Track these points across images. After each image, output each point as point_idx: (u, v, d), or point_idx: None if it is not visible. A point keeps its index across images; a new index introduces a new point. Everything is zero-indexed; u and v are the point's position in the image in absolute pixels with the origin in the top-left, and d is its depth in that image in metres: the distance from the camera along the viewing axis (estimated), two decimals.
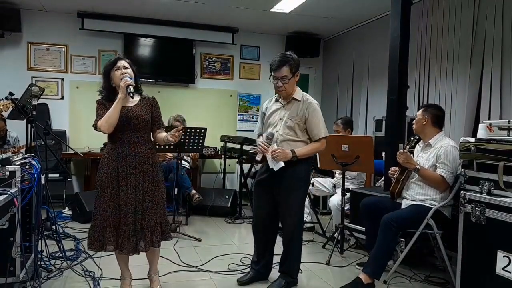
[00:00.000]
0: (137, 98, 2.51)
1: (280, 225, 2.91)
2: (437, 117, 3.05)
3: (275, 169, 2.66)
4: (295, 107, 2.76)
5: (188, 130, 4.21)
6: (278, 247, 2.94)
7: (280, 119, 2.77)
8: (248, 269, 3.05)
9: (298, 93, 2.79)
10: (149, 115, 2.54)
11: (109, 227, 2.42)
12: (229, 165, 5.67)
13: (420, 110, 3.11)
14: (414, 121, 3.13)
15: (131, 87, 2.41)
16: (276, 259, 2.98)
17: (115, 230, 2.43)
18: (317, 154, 3.80)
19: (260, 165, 2.91)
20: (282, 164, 2.65)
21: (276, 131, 2.76)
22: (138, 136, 2.48)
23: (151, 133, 2.60)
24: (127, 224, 2.42)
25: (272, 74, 2.73)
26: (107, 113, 2.39)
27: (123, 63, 2.49)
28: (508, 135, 2.54)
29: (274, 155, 2.63)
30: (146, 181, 2.48)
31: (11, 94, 3.16)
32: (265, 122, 2.88)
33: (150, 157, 2.51)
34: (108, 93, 2.51)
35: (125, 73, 2.45)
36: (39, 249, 2.81)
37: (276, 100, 2.87)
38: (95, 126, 2.47)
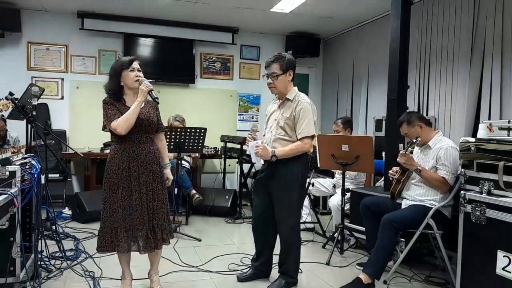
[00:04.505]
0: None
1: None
2: (423, 118, 3.11)
3: (257, 165, 2.70)
4: (287, 106, 2.77)
5: (188, 130, 4.21)
6: (278, 246, 2.93)
7: (275, 119, 2.80)
8: (247, 269, 3.06)
9: (292, 93, 2.78)
10: (156, 117, 2.58)
11: (120, 228, 2.42)
12: (229, 165, 5.67)
13: (404, 126, 3.08)
14: (407, 136, 3.11)
15: (153, 92, 2.45)
16: (276, 258, 2.98)
17: (125, 231, 2.43)
18: (317, 154, 3.80)
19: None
20: (261, 162, 2.68)
21: (271, 132, 2.80)
22: (147, 136, 2.51)
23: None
24: (144, 223, 2.44)
25: (265, 71, 2.78)
26: (126, 115, 2.38)
27: (137, 65, 2.50)
28: (508, 135, 2.54)
29: (256, 151, 2.65)
30: (155, 180, 2.50)
31: (11, 94, 3.16)
32: (266, 124, 2.93)
33: (157, 157, 2.55)
34: (116, 92, 2.49)
35: (139, 76, 2.47)
36: (39, 249, 2.81)
37: (275, 102, 2.90)
38: (105, 127, 2.47)
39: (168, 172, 2.65)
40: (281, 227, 2.80)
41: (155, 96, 2.47)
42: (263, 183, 2.83)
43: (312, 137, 2.73)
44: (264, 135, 2.88)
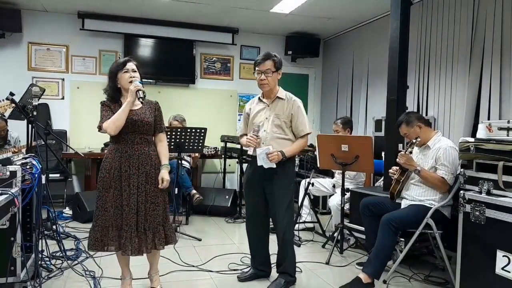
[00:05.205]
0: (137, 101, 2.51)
1: (271, 224, 2.95)
2: (423, 119, 3.11)
3: (265, 166, 2.71)
4: (280, 105, 2.80)
5: (188, 130, 4.21)
6: (273, 244, 2.95)
7: (266, 118, 2.81)
8: (248, 269, 3.08)
9: (282, 92, 2.85)
10: (153, 118, 2.56)
11: (111, 227, 2.42)
12: (229, 165, 5.68)
13: (403, 126, 3.09)
14: (406, 137, 3.13)
15: (141, 92, 2.44)
16: (273, 258, 2.99)
17: (117, 230, 2.43)
18: (317, 154, 3.82)
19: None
20: (274, 165, 2.70)
21: (264, 130, 2.79)
22: (141, 137, 2.50)
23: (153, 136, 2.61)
24: (130, 225, 2.42)
25: (256, 68, 2.79)
26: (115, 115, 2.39)
27: (132, 65, 2.50)
28: (508, 135, 2.55)
29: (272, 158, 2.67)
30: (149, 182, 2.48)
31: (11, 94, 3.17)
32: (250, 122, 2.90)
33: (153, 158, 2.52)
34: (113, 94, 2.51)
35: (133, 77, 2.47)
36: (40, 248, 2.81)
37: (260, 100, 2.90)
38: (100, 128, 2.47)
39: (163, 173, 2.53)
40: (279, 225, 2.81)
41: (140, 96, 2.43)
42: (257, 182, 2.83)
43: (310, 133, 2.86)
44: (258, 138, 2.78)
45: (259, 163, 2.71)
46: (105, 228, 2.43)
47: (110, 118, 2.40)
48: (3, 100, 3.13)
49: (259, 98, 2.91)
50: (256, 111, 2.87)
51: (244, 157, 5.04)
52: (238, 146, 5.01)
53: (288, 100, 2.80)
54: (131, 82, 2.46)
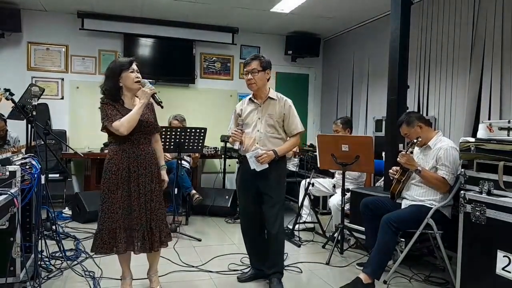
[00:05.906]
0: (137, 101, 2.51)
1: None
2: (423, 119, 3.11)
3: (258, 169, 2.73)
4: (272, 105, 2.83)
5: (188, 130, 4.21)
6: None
7: (259, 118, 2.83)
8: (248, 269, 3.08)
9: (273, 92, 2.89)
10: (154, 118, 2.59)
11: (119, 229, 2.42)
12: (229, 165, 5.67)
13: (404, 126, 3.09)
14: (407, 137, 3.13)
15: (157, 95, 2.50)
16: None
17: (125, 231, 2.43)
18: (317, 154, 3.82)
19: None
20: (266, 165, 2.73)
21: (258, 130, 2.81)
22: (145, 137, 2.52)
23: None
24: (142, 224, 2.43)
25: (245, 69, 2.85)
26: (129, 116, 2.38)
27: (135, 66, 2.51)
28: (508, 135, 2.54)
29: (262, 160, 2.70)
30: (153, 181, 2.50)
31: (11, 94, 3.17)
32: (241, 123, 2.89)
33: (155, 158, 2.56)
34: (115, 92, 2.48)
35: (139, 77, 2.49)
36: (39, 249, 2.81)
37: (252, 101, 2.91)
38: (105, 127, 2.45)
39: (164, 174, 2.62)
40: (274, 225, 2.81)
41: (160, 100, 2.52)
42: (251, 181, 2.84)
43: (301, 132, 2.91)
44: (243, 132, 2.82)
45: (251, 167, 2.74)
46: (112, 231, 2.42)
47: (119, 117, 2.39)
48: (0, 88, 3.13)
49: (250, 98, 2.93)
50: (248, 111, 2.89)
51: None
52: None
53: (279, 100, 2.84)
54: (137, 82, 2.47)
